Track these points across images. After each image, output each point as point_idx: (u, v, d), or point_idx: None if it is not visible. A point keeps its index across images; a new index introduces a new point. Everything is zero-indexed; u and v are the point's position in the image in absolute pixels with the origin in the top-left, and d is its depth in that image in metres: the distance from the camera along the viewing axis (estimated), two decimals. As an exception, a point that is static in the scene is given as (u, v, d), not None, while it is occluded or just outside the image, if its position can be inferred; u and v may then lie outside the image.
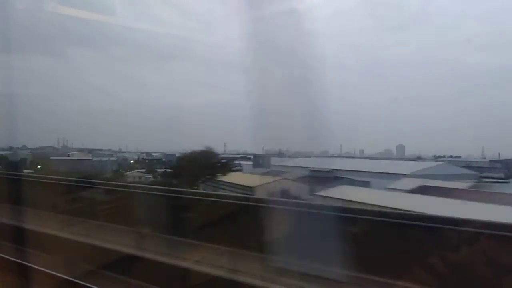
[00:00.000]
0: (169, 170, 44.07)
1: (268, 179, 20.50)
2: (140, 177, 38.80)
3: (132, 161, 54.96)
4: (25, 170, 38.10)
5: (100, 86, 65.83)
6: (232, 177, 20.59)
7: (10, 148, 42.22)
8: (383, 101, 61.59)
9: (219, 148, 55.99)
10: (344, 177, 21.51)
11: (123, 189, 12.27)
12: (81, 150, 60.18)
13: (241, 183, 19.78)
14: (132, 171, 41.17)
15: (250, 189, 18.51)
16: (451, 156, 56.67)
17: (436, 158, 56.56)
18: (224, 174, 19.97)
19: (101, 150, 61.06)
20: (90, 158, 45.71)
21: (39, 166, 42.29)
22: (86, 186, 12.29)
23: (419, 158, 55.77)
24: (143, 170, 42.03)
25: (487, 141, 48.01)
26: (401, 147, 60.58)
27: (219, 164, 21.12)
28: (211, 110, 56.69)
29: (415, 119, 57.44)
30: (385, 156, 58.35)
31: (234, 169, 22.78)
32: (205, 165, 20.63)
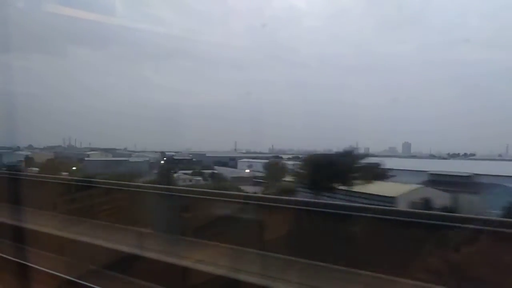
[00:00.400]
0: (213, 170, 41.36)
1: (405, 187, 17.91)
2: (190, 180, 35.94)
3: (162, 162, 51.79)
4: (63, 173, 34.69)
5: (104, 86, 65.77)
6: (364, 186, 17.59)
7: (18, 148, 43.28)
8: (384, 101, 61.77)
9: (227, 148, 56.31)
10: (497, 184, 19.23)
11: (225, 199, 9.38)
12: (92, 149, 57.36)
13: (376, 192, 16.98)
14: (178, 173, 38.09)
15: (390, 199, 15.85)
16: (465, 154, 56.06)
17: (450, 156, 55.92)
18: (368, 181, 16.76)
19: (117, 149, 58.00)
20: (127, 159, 42.23)
21: (73, 168, 38.69)
22: (170, 195, 10.08)
23: (433, 156, 54.99)
24: (189, 172, 39.03)
25: (487, 139, 50.46)
26: (407, 145, 59.71)
27: (366, 169, 17.82)
28: (218, 109, 57.55)
29: (416, 118, 58.39)
30: (390, 154, 57.45)
31: (382, 176, 19.07)
32: (343, 170, 17.39)
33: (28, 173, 26.47)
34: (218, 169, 45.07)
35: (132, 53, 67.78)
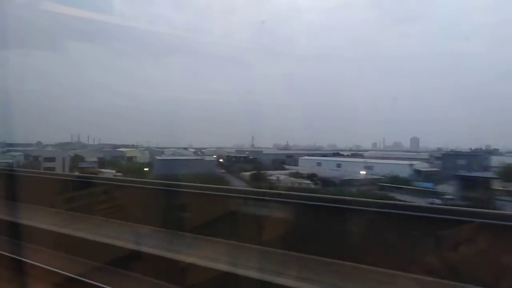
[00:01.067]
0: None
1: None
2: (299, 184, 29.04)
3: (220, 160, 44.30)
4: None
5: (108, 83, 62.81)
6: None
7: (29, 145, 38.78)
8: (386, 98, 60.09)
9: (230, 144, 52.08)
10: None
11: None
12: (116, 146, 50.59)
13: None
14: (273, 174, 31.03)
15: None
16: (487, 149, 53.11)
17: (472, 151, 52.74)
18: None
19: (152, 147, 50.91)
20: (201, 157, 34.52)
21: (146, 169, 30.58)
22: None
23: (453, 151, 51.56)
24: (286, 172, 32.06)
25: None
26: (415, 140, 56.22)
27: None
28: (219, 106, 55.65)
29: (418, 116, 56.46)
30: (396, 149, 53.94)
31: None
32: None
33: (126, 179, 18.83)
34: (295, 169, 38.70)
35: (133, 50, 63.74)
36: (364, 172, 29.87)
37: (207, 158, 34.57)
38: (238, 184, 29.41)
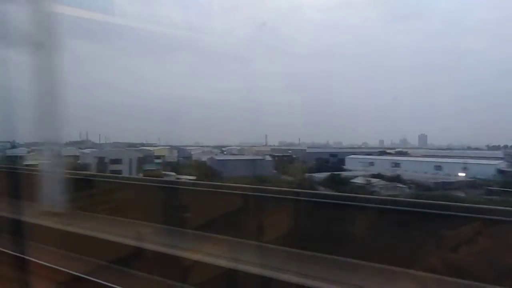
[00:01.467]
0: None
1: None
2: (394, 188, 23.85)
3: (266, 159, 38.89)
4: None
5: (110, 81, 56.11)
6: None
7: (38, 144, 35.59)
8: (388, 95, 56.06)
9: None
10: None
11: None
12: (135, 145, 45.58)
13: None
14: (357, 177, 25.77)
15: None
16: (505, 146, 49.21)
17: (490, 148, 48.95)
18: None
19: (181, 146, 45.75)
20: (262, 158, 29.25)
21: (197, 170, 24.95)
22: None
23: (469, 148, 47.95)
24: (366, 173, 26.83)
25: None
26: (423, 137, 52.57)
27: None
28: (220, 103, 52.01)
29: (422, 109, 52.78)
30: (403, 146, 50.47)
31: None
32: None
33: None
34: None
35: (135, 48, 60.75)
36: (463, 174, 24.74)
37: (267, 158, 29.13)
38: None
